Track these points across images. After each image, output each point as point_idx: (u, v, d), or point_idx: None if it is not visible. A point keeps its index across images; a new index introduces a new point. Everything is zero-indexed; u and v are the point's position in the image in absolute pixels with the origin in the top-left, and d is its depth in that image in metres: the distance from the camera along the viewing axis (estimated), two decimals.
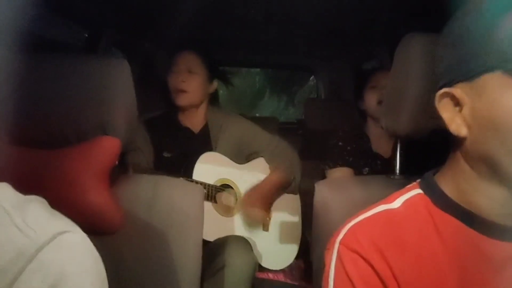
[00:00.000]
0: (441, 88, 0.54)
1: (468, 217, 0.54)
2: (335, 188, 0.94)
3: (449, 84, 0.53)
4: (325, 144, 1.66)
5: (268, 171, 1.58)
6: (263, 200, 1.49)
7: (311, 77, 4.84)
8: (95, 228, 0.84)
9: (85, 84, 0.83)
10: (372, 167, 1.56)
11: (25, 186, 0.55)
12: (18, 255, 0.44)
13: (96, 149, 0.83)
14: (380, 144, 1.59)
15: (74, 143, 0.84)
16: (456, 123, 0.52)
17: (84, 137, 0.84)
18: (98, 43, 1.81)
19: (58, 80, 0.83)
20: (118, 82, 0.85)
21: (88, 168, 0.82)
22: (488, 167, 0.51)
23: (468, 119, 0.51)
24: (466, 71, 0.50)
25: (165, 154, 1.51)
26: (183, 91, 1.51)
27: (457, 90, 0.51)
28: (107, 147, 0.84)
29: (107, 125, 0.84)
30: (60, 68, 0.84)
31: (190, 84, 1.52)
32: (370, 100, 1.58)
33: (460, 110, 0.52)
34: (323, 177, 1.61)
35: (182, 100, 1.52)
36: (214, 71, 1.62)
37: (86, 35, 1.82)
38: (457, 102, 0.52)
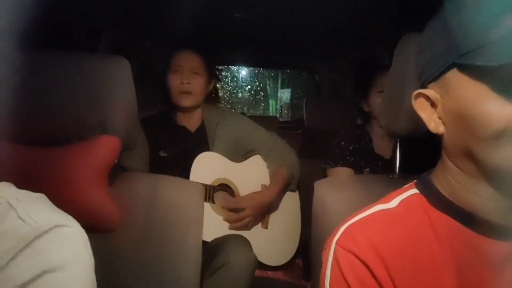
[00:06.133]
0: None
1: (464, 216, 0.54)
2: (334, 187, 0.94)
3: (423, 85, 0.56)
4: (326, 143, 1.66)
5: (265, 168, 1.58)
6: (264, 210, 1.49)
7: None
8: (93, 226, 0.84)
9: (85, 83, 0.83)
10: (373, 167, 1.56)
11: (25, 183, 0.56)
12: (18, 241, 0.48)
13: (96, 148, 0.83)
14: (382, 145, 1.58)
15: (74, 141, 0.84)
16: (434, 121, 0.55)
17: (84, 135, 0.84)
18: (98, 41, 1.81)
19: (58, 78, 0.83)
20: (118, 80, 0.85)
21: (88, 166, 0.82)
22: (468, 161, 0.52)
23: (443, 117, 0.54)
24: (434, 70, 0.53)
25: (162, 154, 1.49)
26: (188, 93, 1.48)
27: (430, 91, 0.55)
28: (107, 146, 0.85)
29: (107, 124, 0.84)
30: (61, 66, 0.85)
31: (195, 86, 1.48)
32: (378, 104, 1.55)
33: (436, 109, 0.54)
34: (323, 176, 1.61)
35: (187, 102, 1.48)
36: (213, 71, 1.60)
37: (87, 34, 1.82)
38: (432, 102, 0.55)
